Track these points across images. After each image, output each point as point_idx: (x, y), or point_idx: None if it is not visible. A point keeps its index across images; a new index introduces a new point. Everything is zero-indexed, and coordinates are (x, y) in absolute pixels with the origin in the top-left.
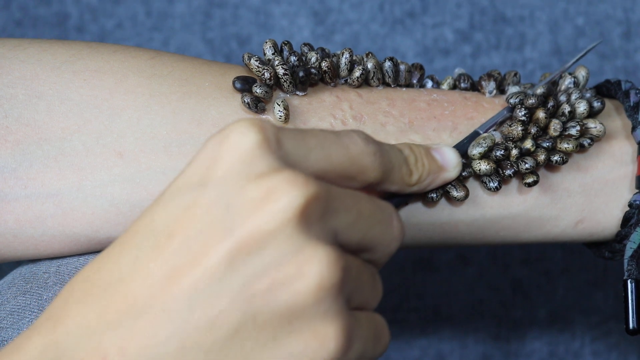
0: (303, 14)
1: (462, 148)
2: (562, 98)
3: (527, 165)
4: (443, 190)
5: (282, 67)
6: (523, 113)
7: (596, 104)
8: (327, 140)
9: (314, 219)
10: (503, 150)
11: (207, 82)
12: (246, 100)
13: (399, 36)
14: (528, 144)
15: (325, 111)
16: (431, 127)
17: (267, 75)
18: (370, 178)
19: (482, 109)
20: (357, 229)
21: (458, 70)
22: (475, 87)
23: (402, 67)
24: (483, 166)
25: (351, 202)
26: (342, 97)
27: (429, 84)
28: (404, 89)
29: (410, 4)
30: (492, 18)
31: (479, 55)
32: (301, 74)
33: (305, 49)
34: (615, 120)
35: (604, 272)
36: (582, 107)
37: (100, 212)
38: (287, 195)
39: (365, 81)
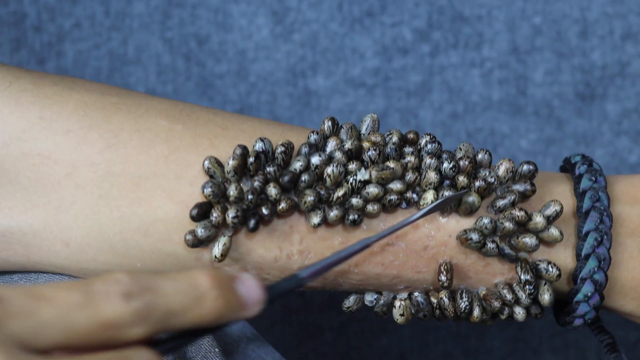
0: (262, 13)
1: (281, 288)
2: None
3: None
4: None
5: (233, 210)
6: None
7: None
8: (70, 308)
9: None
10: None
11: (159, 190)
12: (188, 238)
13: (358, 35)
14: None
15: (273, 243)
16: (374, 272)
17: (215, 216)
18: (133, 335)
19: (434, 265)
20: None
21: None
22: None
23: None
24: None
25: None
26: (294, 228)
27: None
28: (364, 227)
29: (369, 3)
30: (450, 17)
31: (437, 54)
32: (252, 223)
33: (280, 153)
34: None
35: None
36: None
37: None
38: None
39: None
